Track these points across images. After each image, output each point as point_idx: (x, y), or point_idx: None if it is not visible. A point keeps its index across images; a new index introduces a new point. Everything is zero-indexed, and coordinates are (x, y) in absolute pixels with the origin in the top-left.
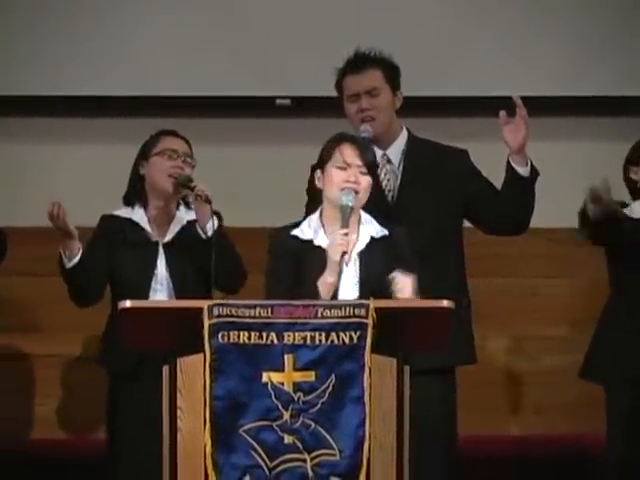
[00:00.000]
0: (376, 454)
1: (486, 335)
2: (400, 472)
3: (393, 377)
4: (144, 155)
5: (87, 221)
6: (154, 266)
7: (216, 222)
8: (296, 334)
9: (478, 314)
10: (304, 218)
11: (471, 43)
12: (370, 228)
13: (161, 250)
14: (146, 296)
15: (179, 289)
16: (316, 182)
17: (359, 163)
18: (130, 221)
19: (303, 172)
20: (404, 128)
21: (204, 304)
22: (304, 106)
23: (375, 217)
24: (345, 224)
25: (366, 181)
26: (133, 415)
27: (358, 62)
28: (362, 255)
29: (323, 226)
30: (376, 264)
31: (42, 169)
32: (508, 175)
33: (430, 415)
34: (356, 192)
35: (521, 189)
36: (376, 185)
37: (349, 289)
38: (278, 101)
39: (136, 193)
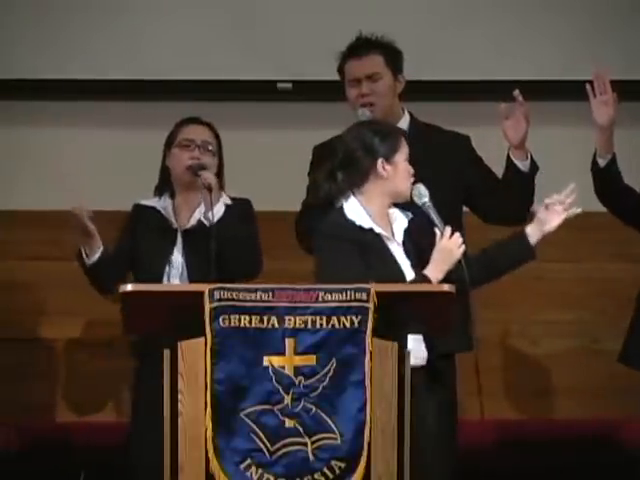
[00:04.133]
0: (377, 438)
1: (490, 319)
2: (401, 456)
3: (394, 361)
4: (167, 147)
5: (90, 204)
6: (170, 252)
7: (222, 209)
8: (297, 318)
9: (481, 298)
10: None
11: (472, 26)
12: (399, 216)
13: (179, 237)
14: (160, 281)
15: (193, 275)
16: (379, 169)
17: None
18: (154, 209)
19: (305, 156)
20: (406, 112)
21: (205, 288)
22: (305, 90)
23: None
24: (439, 221)
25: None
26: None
27: (359, 47)
28: (405, 238)
29: (370, 215)
30: (415, 247)
31: (44, 153)
32: (508, 169)
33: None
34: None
35: (520, 183)
36: None
37: (408, 268)
38: (279, 85)
39: (164, 184)
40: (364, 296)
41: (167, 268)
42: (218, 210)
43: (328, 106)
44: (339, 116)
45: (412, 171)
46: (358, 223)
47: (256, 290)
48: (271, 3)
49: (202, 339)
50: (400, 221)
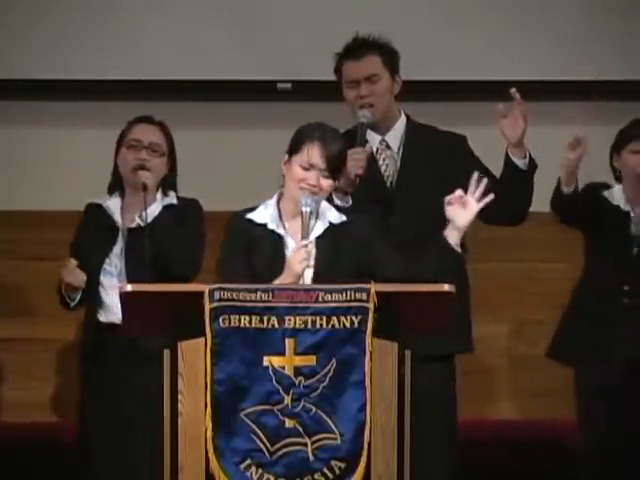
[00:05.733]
0: (377, 438)
1: (485, 320)
2: (401, 456)
3: (394, 361)
4: (118, 146)
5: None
6: (109, 250)
7: (157, 210)
8: (297, 318)
9: (477, 299)
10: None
11: (470, 26)
12: (330, 215)
13: (120, 236)
14: (97, 278)
15: (131, 274)
16: (282, 165)
17: (322, 166)
18: (101, 207)
19: None
20: (402, 113)
21: (205, 288)
22: (305, 90)
23: (373, 203)
24: (306, 233)
25: (327, 184)
26: (101, 399)
27: (357, 48)
28: (319, 241)
29: (280, 213)
30: (332, 249)
31: (44, 153)
32: (506, 167)
33: (430, 402)
34: (314, 194)
35: (520, 181)
36: (375, 171)
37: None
38: (279, 85)
39: (115, 182)
40: (364, 296)
41: (105, 266)
42: (153, 211)
43: (328, 106)
44: (339, 116)
45: (304, 177)
46: (250, 217)
47: (256, 290)
48: (271, 3)
49: (202, 339)
50: (322, 222)
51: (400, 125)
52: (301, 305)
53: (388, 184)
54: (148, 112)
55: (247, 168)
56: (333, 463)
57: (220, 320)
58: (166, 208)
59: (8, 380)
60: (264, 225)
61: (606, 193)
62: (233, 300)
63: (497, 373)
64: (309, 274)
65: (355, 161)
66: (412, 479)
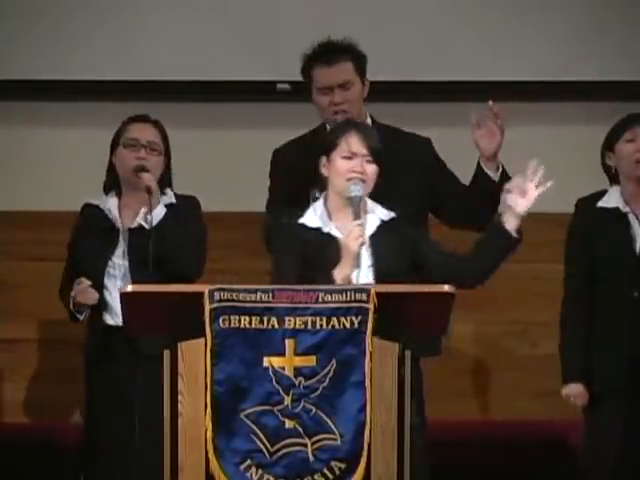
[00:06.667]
0: (377, 439)
1: (489, 320)
2: (401, 457)
3: (394, 362)
4: (114, 145)
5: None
6: (111, 252)
7: (162, 213)
8: (297, 319)
9: (480, 299)
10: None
11: (468, 26)
12: (378, 212)
13: (121, 237)
14: (100, 281)
15: (135, 275)
16: (322, 169)
17: (364, 152)
18: (98, 208)
19: None
20: (368, 114)
21: (205, 288)
22: (304, 91)
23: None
24: (357, 215)
25: (371, 169)
26: (108, 401)
27: (329, 54)
28: (373, 239)
29: (329, 214)
30: (388, 246)
31: (44, 153)
32: (477, 176)
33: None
34: (362, 181)
35: (489, 191)
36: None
37: (363, 273)
38: (279, 86)
39: (111, 181)
40: (364, 297)
41: (109, 269)
42: (158, 213)
43: None
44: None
45: (350, 166)
46: (302, 222)
47: (256, 291)
48: (270, 4)
49: (202, 340)
50: (373, 218)
51: None
52: (301, 305)
53: None
54: (148, 112)
55: (246, 168)
56: (333, 464)
57: (220, 321)
58: (167, 208)
59: (8, 380)
60: (317, 229)
61: (600, 203)
62: (233, 301)
63: (498, 373)
64: (369, 272)
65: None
66: (412, 479)
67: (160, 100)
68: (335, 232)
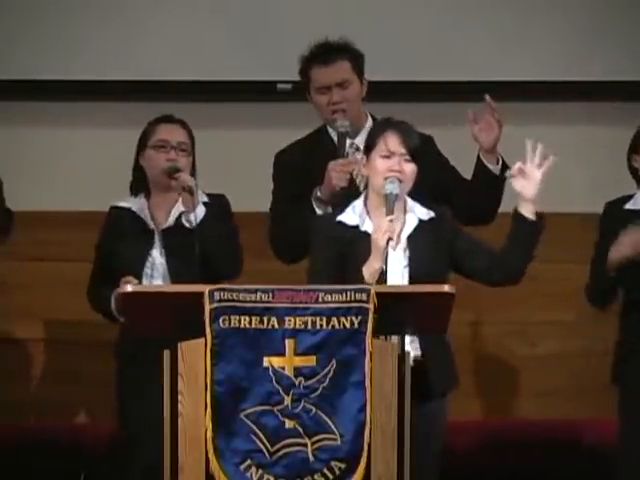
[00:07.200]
0: (377, 439)
1: (486, 320)
2: (401, 456)
3: (394, 362)
4: (141, 146)
5: (91, 205)
6: (148, 253)
7: (203, 211)
8: (297, 319)
9: (479, 299)
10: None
11: (473, 26)
12: (417, 211)
13: (157, 237)
14: (139, 281)
15: (175, 275)
16: (361, 169)
17: (402, 151)
18: (129, 210)
19: None
20: (369, 115)
21: (205, 289)
22: (305, 91)
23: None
24: (390, 211)
25: (410, 168)
26: (140, 400)
27: (326, 53)
28: (411, 239)
29: (368, 212)
30: (426, 246)
31: (44, 153)
32: (478, 170)
33: None
34: (400, 180)
35: (491, 185)
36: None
37: (398, 273)
38: (279, 86)
39: (139, 183)
40: (364, 297)
41: (146, 269)
42: (199, 212)
43: None
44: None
45: (387, 165)
46: (341, 219)
47: (256, 291)
48: (270, 4)
49: (202, 340)
50: (411, 218)
51: (368, 127)
52: (301, 305)
53: (360, 186)
54: (148, 112)
55: (247, 168)
56: (333, 464)
57: (220, 321)
58: (206, 206)
59: (8, 380)
60: (356, 227)
61: (628, 205)
62: (233, 301)
63: (498, 373)
64: (405, 273)
65: (338, 173)
66: (412, 479)
67: (160, 100)
68: (371, 230)
